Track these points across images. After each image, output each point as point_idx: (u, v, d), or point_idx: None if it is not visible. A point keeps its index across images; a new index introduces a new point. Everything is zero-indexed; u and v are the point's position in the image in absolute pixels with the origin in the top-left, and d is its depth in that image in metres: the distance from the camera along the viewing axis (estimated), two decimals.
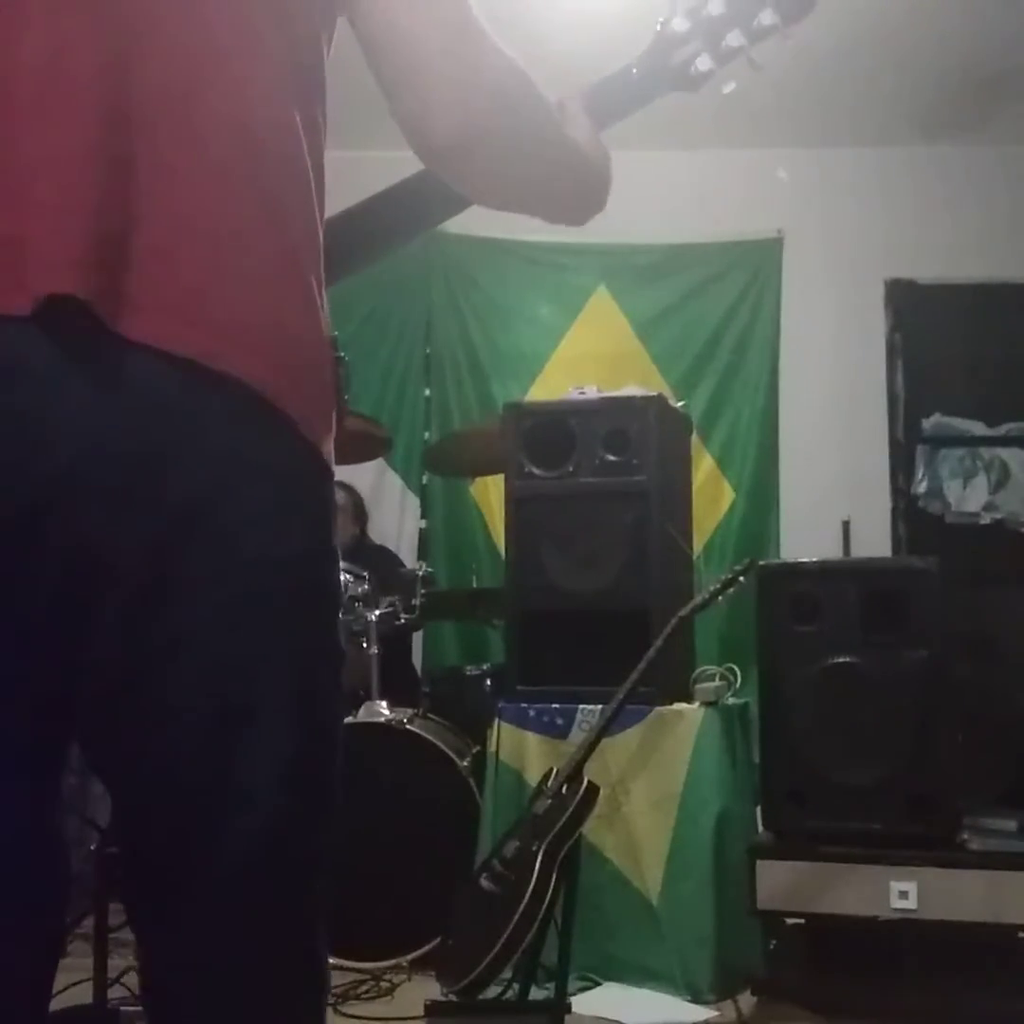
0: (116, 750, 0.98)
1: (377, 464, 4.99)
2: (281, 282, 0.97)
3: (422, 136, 1.05)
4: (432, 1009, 2.84)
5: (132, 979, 2.94)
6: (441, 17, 1.03)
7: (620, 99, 1.29)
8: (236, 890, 0.97)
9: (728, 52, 1.27)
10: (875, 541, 5.06)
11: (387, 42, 1.03)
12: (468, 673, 4.16)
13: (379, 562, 4.27)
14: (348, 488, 4.74)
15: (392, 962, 3.32)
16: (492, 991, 2.86)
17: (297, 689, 0.98)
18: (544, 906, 2.70)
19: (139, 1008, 2.89)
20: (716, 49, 1.27)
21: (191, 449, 0.91)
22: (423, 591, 3.85)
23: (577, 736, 3.21)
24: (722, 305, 5.31)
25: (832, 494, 5.10)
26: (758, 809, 3.31)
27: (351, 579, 3.73)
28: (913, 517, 5.26)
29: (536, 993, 2.94)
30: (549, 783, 2.95)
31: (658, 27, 1.28)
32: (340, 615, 1.07)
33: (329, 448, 1.01)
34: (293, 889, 1.01)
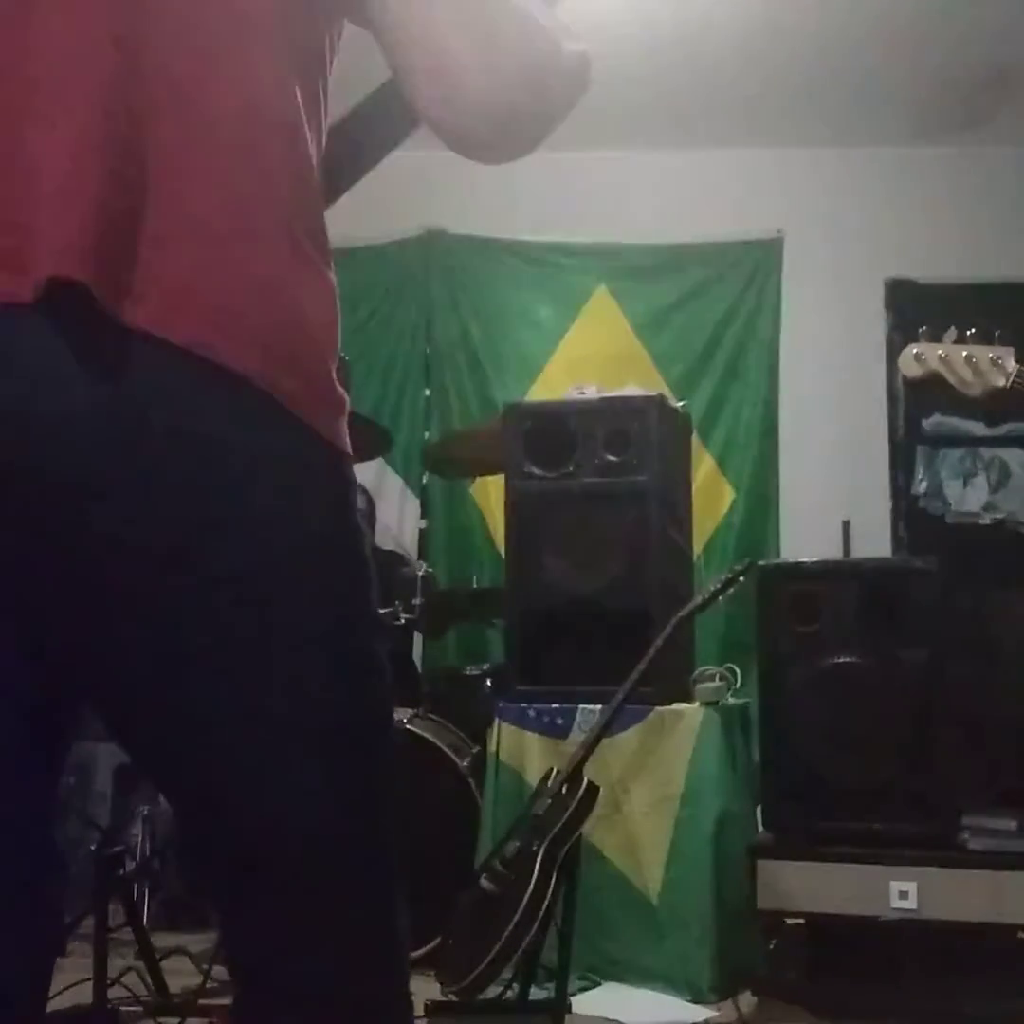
0: (152, 753, 0.97)
1: (377, 464, 4.98)
2: (282, 272, 0.96)
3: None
4: (432, 1009, 2.84)
5: (132, 979, 2.94)
6: None
7: None
8: (282, 898, 0.96)
9: None
10: (875, 541, 5.05)
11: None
12: (468, 673, 4.15)
13: (388, 567, 4.24)
14: (364, 491, 4.70)
15: None
16: (492, 991, 2.86)
17: (330, 679, 0.96)
18: (544, 906, 2.70)
19: (139, 1008, 2.91)
20: None
21: (191, 440, 0.90)
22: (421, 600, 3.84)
23: (577, 736, 3.21)
24: (722, 305, 5.29)
25: (832, 494, 5.09)
26: (758, 809, 3.31)
27: None
28: (913, 517, 5.25)
29: (536, 993, 2.94)
30: (549, 783, 2.95)
31: None
32: (373, 590, 1.01)
33: (339, 430, 0.99)
34: (345, 902, 0.98)
